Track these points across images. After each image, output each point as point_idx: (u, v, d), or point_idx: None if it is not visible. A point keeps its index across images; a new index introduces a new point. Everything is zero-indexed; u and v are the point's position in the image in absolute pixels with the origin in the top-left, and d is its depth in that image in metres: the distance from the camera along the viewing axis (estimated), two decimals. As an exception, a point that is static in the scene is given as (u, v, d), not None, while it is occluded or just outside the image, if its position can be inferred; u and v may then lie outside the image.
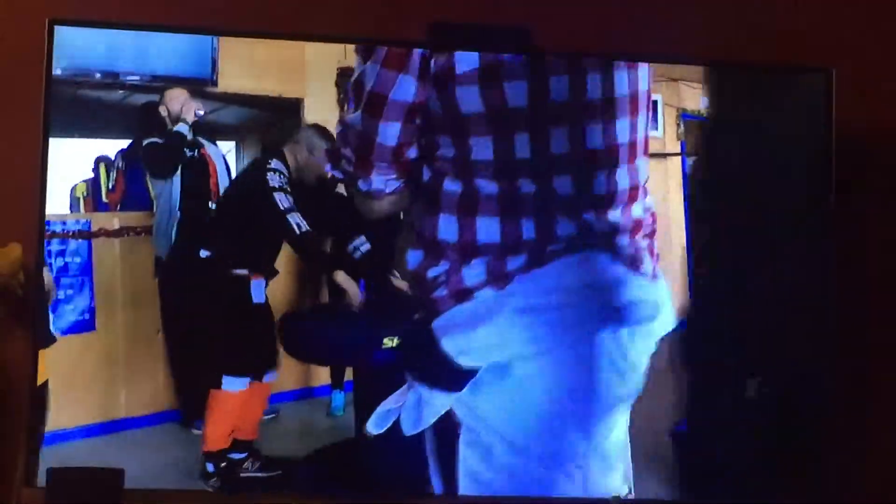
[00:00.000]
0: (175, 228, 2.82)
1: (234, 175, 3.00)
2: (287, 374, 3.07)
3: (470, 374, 1.65)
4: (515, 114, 1.71)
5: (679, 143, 3.59)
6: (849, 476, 2.52)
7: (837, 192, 2.52)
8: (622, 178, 1.72)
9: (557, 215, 1.71)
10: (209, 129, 3.04)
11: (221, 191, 2.94)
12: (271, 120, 3.37)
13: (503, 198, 1.70)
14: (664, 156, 3.54)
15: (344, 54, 3.07)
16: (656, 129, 3.55)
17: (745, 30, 2.74)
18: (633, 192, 1.74)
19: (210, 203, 2.91)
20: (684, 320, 3.35)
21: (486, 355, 1.65)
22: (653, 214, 1.77)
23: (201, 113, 2.86)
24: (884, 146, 2.72)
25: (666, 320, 1.81)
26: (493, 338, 1.65)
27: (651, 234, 1.77)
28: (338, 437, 2.88)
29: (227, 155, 3.05)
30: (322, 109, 3.08)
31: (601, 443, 1.73)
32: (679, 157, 3.48)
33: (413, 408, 1.68)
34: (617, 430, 1.78)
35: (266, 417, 2.96)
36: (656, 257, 1.75)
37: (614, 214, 1.74)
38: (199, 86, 2.94)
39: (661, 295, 1.78)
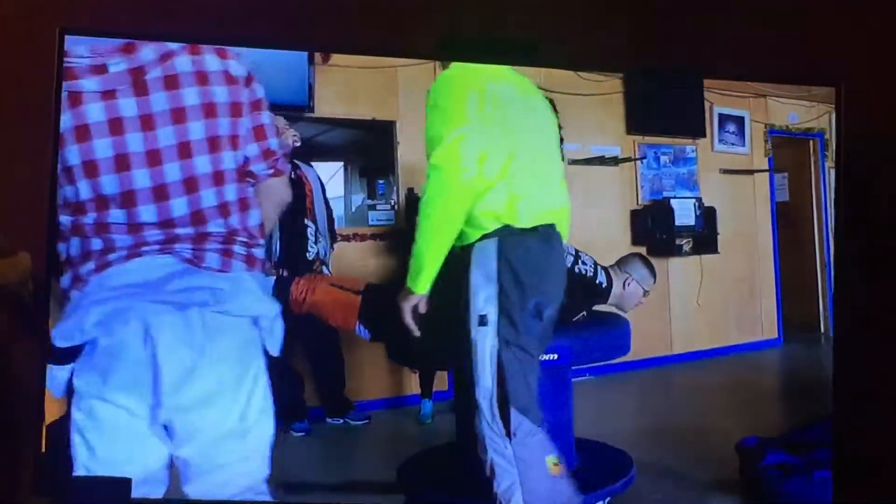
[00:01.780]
0: (278, 244, 2.98)
1: (327, 194, 3.18)
2: (378, 382, 3.23)
3: (76, 349, 2.01)
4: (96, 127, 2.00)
5: (766, 158, 3.61)
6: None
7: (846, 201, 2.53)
8: (206, 199, 2.05)
9: (115, 231, 2.01)
10: (307, 153, 3.17)
11: (316, 208, 3.10)
12: (369, 142, 3.54)
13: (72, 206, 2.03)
14: (750, 172, 3.56)
15: (434, 78, 3.21)
16: (743, 146, 3.58)
17: (757, 46, 2.75)
18: (205, 212, 2.06)
19: (305, 220, 3.07)
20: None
21: (77, 336, 1.99)
22: (246, 229, 2.11)
23: (297, 143, 3.01)
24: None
25: (246, 306, 2.08)
26: (78, 324, 1.99)
27: (228, 241, 2.07)
28: (427, 443, 2.99)
29: (335, 175, 3.21)
30: (414, 130, 3.21)
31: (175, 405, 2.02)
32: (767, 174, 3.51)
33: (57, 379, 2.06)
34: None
35: (360, 424, 3.12)
36: (236, 256, 2.08)
37: (184, 231, 2.03)
38: (296, 112, 3.09)
39: (230, 284, 2.05)
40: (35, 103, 2.31)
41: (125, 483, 2.19)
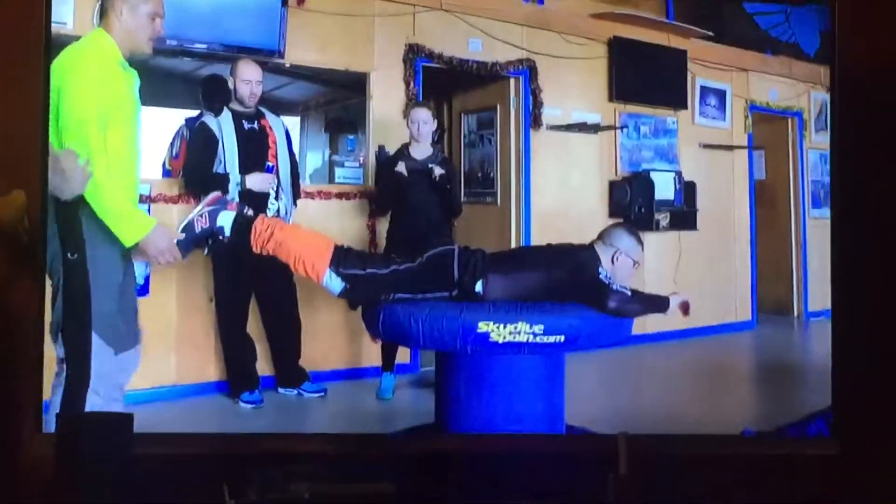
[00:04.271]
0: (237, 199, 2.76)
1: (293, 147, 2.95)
2: (336, 352, 3.03)
3: None
4: None
5: (746, 134, 3.53)
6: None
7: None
8: None
9: None
10: (274, 103, 2.98)
11: (280, 161, 2.87)
12: (337, 96, 3.34)
13: None
14: (730, 148, 3.46)
15: (413, 30, 3.03)
16: (724, 120, 3.48)
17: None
18: None
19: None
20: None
21: None
22: None
23: None
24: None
25: None
26: None
27: None
28: (388, 421, 2.81)
29: (290, 130, 3.00)
30: (388, 84, 3.04)
31: None
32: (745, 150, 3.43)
33: None
34: None
35: (315, 395, 2.91)
36: None
37: None
38: (266, 57, 2.88)
39: None
40: (26, 50, 2.40)
41: (128, 417, 2.17)
